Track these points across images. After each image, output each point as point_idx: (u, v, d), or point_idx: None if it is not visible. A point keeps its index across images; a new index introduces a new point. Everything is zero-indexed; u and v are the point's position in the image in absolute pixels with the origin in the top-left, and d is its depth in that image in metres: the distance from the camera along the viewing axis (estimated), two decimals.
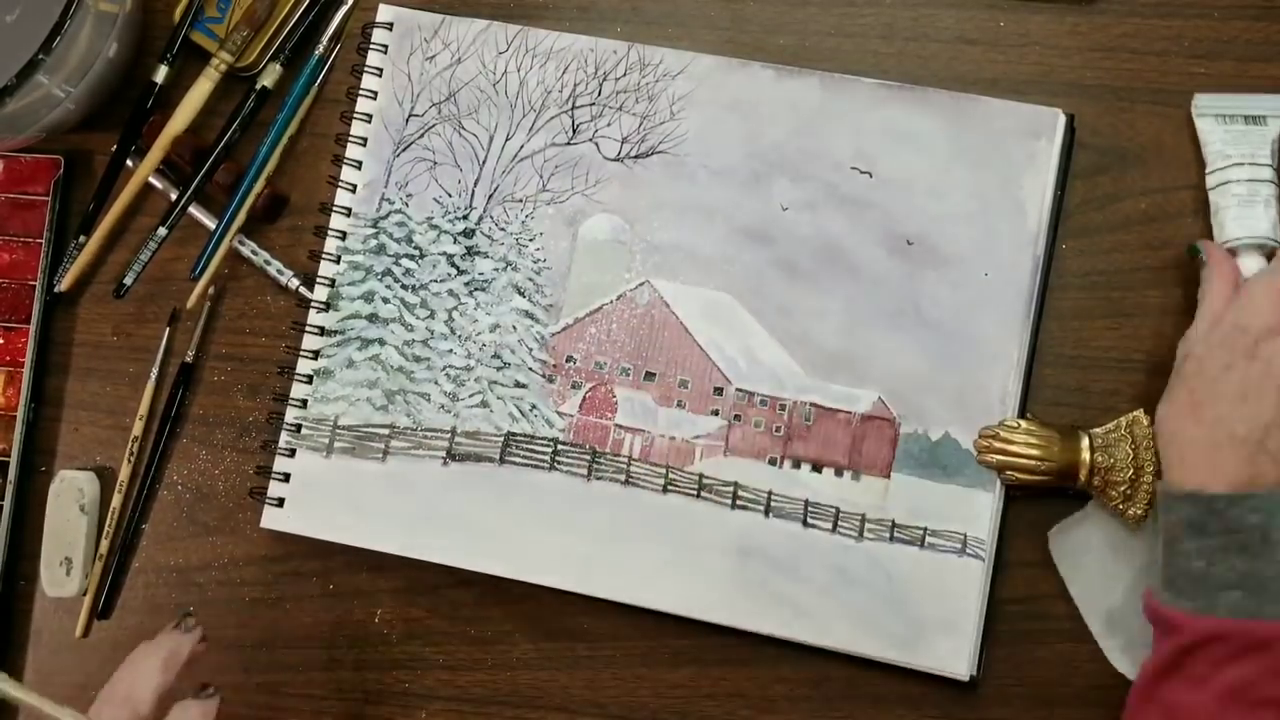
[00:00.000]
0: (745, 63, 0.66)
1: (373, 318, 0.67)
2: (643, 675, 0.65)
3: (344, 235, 0.68)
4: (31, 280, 0.71)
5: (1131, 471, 0.60)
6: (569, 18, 0.69)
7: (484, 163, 0.68)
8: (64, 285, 0.70)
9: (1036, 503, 0.63)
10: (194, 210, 0.69)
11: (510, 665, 0.66)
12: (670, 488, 0.65)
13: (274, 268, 0.69)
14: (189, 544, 0.69)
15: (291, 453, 0.66)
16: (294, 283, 0.69)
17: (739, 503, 0.64)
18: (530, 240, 0.67)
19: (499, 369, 0.66)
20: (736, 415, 0.65)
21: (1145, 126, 0.65)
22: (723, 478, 0.64)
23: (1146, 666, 0.55)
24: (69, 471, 0.70)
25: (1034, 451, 0.61)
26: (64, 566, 0.68)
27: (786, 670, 0.64)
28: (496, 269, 0.67)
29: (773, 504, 0.64)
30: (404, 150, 0.68)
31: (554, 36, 0.68)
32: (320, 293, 0.68)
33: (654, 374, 0.66)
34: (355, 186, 0.68)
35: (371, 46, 0.69)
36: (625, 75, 0.67)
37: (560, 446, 0.65)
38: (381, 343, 0.67)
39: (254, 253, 0.69)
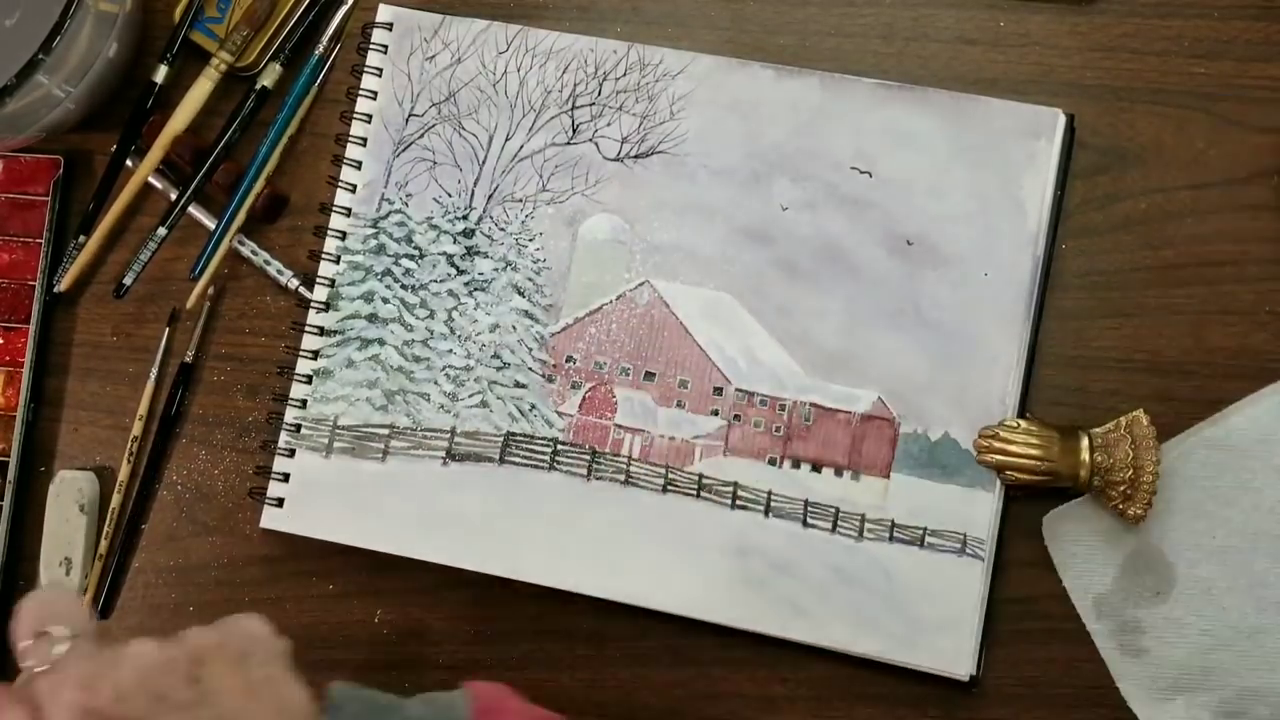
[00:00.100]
0: (745, 63, 0.66)
1: (372, 318, 0.67)
2: (642, 675, 0.65)
3: (344, 235, 0.68)
4: (31, 280, 0.71)
5: (1131, 471, 0.60)
6: (569, 18, 0.69)
7: (484, 163, 0.68)
8: (63, 285, 0.70)
9: (1036, 503, 0.63)
10: (194, 210, 0.69)
11: (510, 665, 0.66)
12: (670, 487, 0.65)
13: (274, 268, 0.69)
14: (188, 544, 0.69)
15: (291, 453, 0.66)
16: (294, 283, 0.69)
17: (739, 503, 0.64)
18: (530, 240, 0.67)
19: (499, 369, 0.66)
20: (736, 415, 0.65)
21: (1145, 126, 0.65)
22: (722, 477, 0.64)
23: None
24: (69, 471, 0.70)
25: (1034, 451, 0.61)
26: (63, 566, 0.68)
27: (786, 670, 0.64)
28: (496, 269, 0.67)
29: (772, 504, 0.64)
30: (404, 150, 0.68)
31: (554, 36, 0.68)
32: (320, 293, 0.68)
33: (654, 374, 0.66)
34: (355, 186, 0.68)
35: (371, 46, 0.69)
36: (625, 75, 0.67)
37: (560, 446, 0.65)
38: (381, 343, 0.67)
39: (254, 253, 0.69)
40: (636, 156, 0.67)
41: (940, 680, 0.62)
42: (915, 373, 0.63)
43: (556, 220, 0.67)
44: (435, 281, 0.67)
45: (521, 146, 0.68)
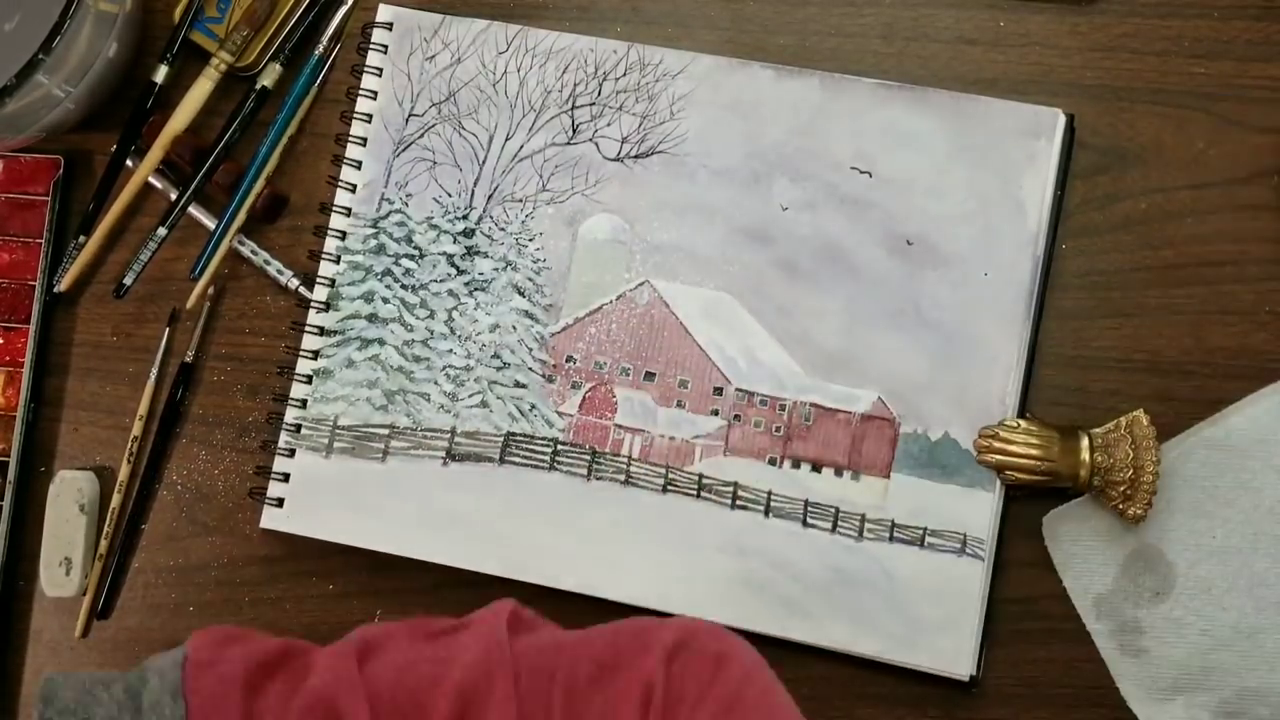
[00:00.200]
0: (745, 63, 0.66)
1: (372, 318, 0.67)
2: None
3: (344, 235, 0.68)
4: (31, 280, 0.71)
5: (1131, 471, 0.60)
6: (569, 18, 0.69)
7: (484, 163, 0.68)
8: (63, 285, 0.70)
9: (1036, 503, 0.63)
10: (194, 210, 0.69)
11: None
12: (670, 487, 0.65)
13: (274, 268, 0.69)
14: (188, 544, 0.69)
15: (291, 453, 0.66)
16: (294, 283, 0.69)
17: (739, 502, 0.64)
18: (530, 240, 0.67)
19: (499, 369, 0.66)
20: (736, 415, 0.65)
21: (1145, 126, 0.65)
22: (722, 477, 0.64)
23: None
24: (68, 471, 0.70)
25: (1034, 451, 0.61)
26: (63, 566, 0.68)
27: (786, 670, 0.64)
28: (496, 269, 0.67)
29: (772, 504, 0.64)
30: (404, 150, 0.68)
31: (554, 36, 0.68)
32: (320, 293, 0.68)
33: (654, 374, 0.66)
34: (355, 186, 0.68)
35: (371, 46, 0.69)
36: (625, 75, 0.67)
37: (560, 446, 0.65)
38: (381, 343, 0.67)
39: (254, 253, 0.69)
40: (636, 156, 0.67)
41: (940, 680, 0.62)
42: (915, 373, 0.63)
43: (556, 220, 0.67)
44: (435, 281, 0.67)
45: (521, 146, 0.68)
